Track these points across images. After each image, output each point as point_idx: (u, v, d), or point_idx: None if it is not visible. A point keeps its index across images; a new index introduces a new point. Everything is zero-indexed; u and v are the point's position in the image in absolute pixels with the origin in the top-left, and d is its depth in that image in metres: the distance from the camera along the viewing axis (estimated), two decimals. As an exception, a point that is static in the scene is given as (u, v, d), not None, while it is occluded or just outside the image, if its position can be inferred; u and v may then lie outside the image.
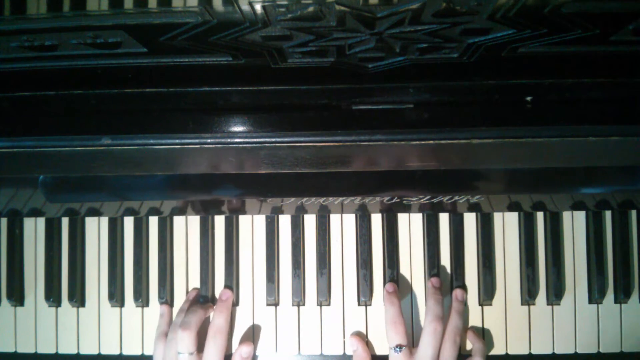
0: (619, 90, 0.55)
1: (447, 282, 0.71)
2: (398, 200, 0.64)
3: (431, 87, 0.55)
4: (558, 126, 0.53)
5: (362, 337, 0.70)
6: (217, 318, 0.68)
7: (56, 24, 0.42)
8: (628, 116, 0.54)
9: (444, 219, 0.72)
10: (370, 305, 0.71)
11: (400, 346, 0.65)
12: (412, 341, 0.70)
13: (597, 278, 0.69)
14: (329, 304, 0.71)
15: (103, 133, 0.54)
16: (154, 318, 0.72)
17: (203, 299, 0.72)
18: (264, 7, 0.40)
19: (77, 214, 0.71)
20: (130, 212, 0.71)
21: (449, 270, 0.71)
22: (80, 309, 0.73)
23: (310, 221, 0.72)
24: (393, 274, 0.71)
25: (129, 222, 0.73)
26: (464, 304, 0.70)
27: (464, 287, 0.70)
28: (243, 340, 0.71)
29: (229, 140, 0.54)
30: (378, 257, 0.72)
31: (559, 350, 0.69)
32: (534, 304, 0.70)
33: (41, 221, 0.74)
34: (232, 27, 0.43)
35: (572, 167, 0.60)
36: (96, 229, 0.74)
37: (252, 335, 0.71)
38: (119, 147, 0.54)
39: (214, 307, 0.70)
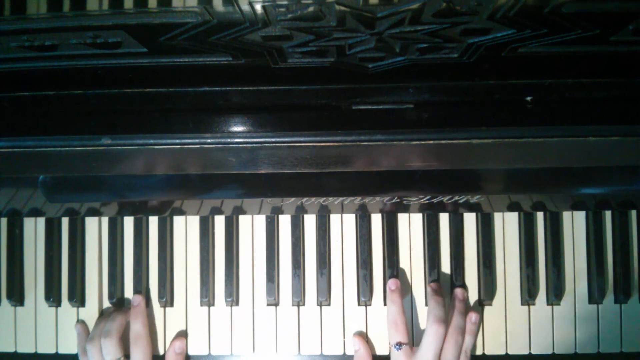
0: (619, 90, 0.55)
1: (447, 282, 0.71)
2: (398, 200, 0.64)
3: (431, 87, 0.55)
4: (558, 126, 0.53)
5: (364, 338, 0.70)
6: (134, 324, 0.69)
7: (56, 24, 0.42)
8: (628, 116, 0.54)
9: (444, 218, 0.72)
10: (370, 305, 0.71)
11: (400, 344, 0.65)
12: (412, 339, 0.70)
13: (597, 278, 0.69)
14: (329, 304, 0.71)
15: (103, 133, 0.54)
16: (154, 318, 0.72)
17: (203, 299, 0.72)
18: (264, 7, 0.40)
19: (77, 214, 0.71)
20: (130, 212, 0.71)
21: (449, 270, 0.71)
22: (80, 309, 0.73)
23: (310, 221, 0.72)
24: (393, 274, 0.71)
25: (129, 222, 0.73)
26: (466, 302, 0.70)
27: (464, 287, 0.70)
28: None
29: (229, 140, 0.54)
30: (378, 257, 0.72)
31: (559, 350, 0.69)
32: (534, 304, 0.70)
33: (41, 221, 0.74)
34: (232, 27, 0.43)
35: (572, 167, 0.60)
36: (96, 229, 0.74)
37: (252, 335, 0.71)
38: (119, 147, 0.54)
39: (130, 313, 0.70)
